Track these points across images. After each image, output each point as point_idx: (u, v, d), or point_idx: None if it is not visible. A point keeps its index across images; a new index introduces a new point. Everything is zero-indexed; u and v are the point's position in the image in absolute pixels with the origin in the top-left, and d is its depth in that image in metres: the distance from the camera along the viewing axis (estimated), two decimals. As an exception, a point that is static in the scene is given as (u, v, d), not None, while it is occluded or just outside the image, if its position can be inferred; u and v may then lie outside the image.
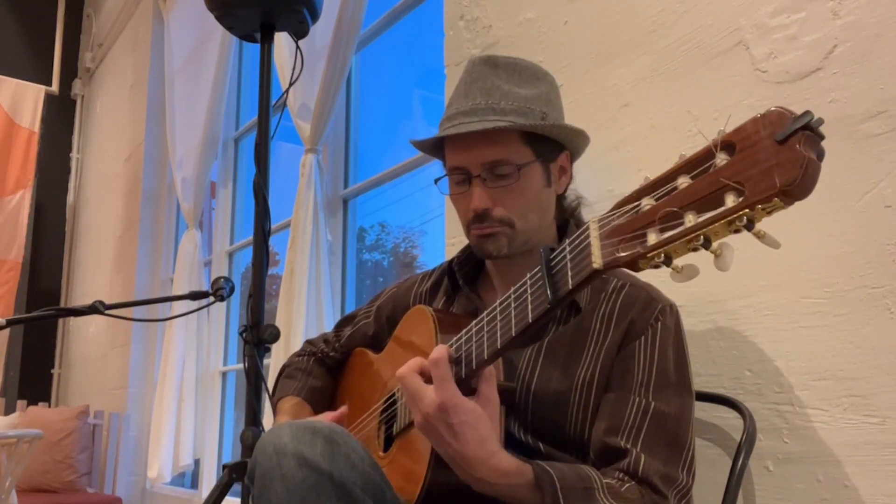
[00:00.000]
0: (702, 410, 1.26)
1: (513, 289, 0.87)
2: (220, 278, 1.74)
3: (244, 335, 1.59)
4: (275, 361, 2.39)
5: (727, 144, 0.63)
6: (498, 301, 0.89)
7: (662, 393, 1.01)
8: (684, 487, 0.98)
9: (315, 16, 1.71)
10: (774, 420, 1.19)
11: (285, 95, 2.15)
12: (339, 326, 1.47)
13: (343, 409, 1.27)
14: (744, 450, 1.15)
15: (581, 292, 1.03)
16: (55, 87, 5.42)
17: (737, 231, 0.61)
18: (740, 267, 1.10)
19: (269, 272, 1.73)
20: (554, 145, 1.13)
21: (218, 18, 1.69)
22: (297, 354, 1.47)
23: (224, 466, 1.47)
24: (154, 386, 3.96)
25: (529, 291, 0.84)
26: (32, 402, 4.60)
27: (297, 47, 1.73)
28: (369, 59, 2.95)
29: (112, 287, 4.62)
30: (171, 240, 4.31)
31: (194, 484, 3.82)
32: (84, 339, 4.97)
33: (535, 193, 1.11)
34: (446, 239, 1.91)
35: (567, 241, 0.79)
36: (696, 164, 0.66)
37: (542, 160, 1.11)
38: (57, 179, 5.49)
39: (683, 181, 0.66)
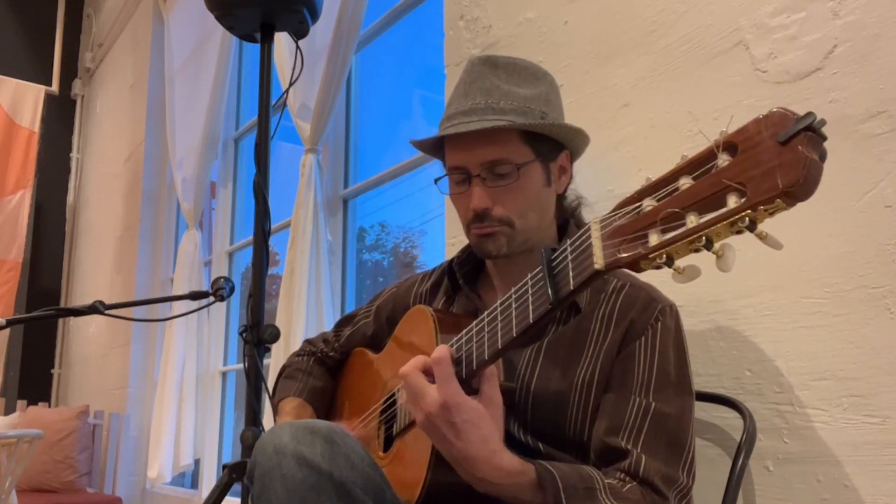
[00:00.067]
0: (702, 410, 1.26)
1: (513, 289, 0.87)
2: (220, 278, 1.74)
3: (244, 335, 1.59)
4: (275, 361, 2.39)
5: (729, 145, 0.63)
6: (499, 301, 0.89)
7: (663, 393, 1.01)
8: (685, 488, 0.98)
9: (315, 16, 1.71)
10: (774, 420, 1.19)
11: (285, 95, 2.15)
12: (339, 326, 1.47)
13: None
14: (744, 450, 1.15)
15: (582, 293, 1.03)
16: (55, 87, 5.42)
17: (739, 232, 0.61)
18: (740, 267, 1.10)
19: (269, 272, 1.73)
20: (553, 145, 1.13)
21: (218, 18, 1.69)
22: (297, 354, 1.47)
23: (224, 466, 1.47)
24: (154, 386, 3.96)
25: (530, 292, 0.84)
26: (32, 402, 4.60)
27: (297, 47, 1.73)
28: (369, 59, 2.95)
29: (112, 287, 4.62)
30: (171, 240, 4.31)
31: (194, 484, 3.83)
32: (84, 339, 4.97)
33: (534, 193, 1.11)
34: (446, 239, 1.91)
35: (568, 241, 0.79)
36: (697, 164, 0.66)
37: (541, 160, 1.11)
38: (57, 179, 5.49)
39: (685, 182, 0.66)
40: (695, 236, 0.63)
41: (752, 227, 0.60)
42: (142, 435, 4.09)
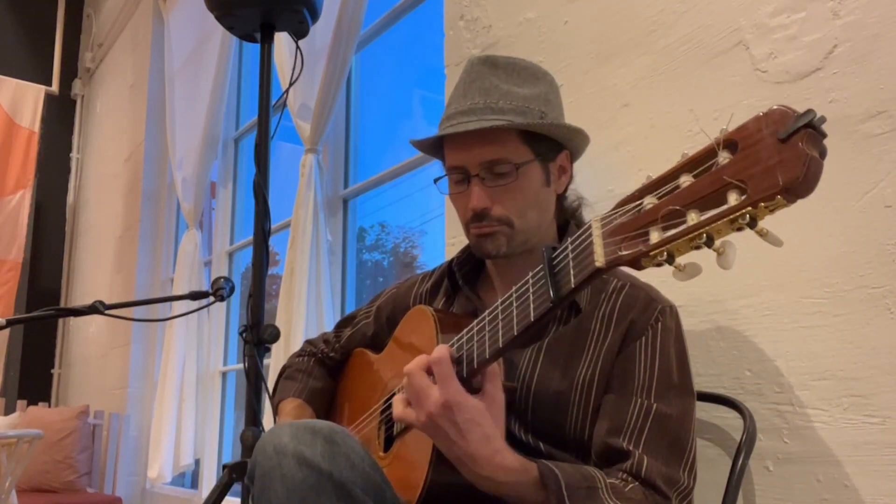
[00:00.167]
0: (702, 410, 1.26)
1: (514, 288, 0.87)
2: (220, 278, 1.74)
3: (244, 335, 1.59)
4: (275, 361, 2.39)
5: (729, 143, 0.63)
6: (499, 300, 0.89)
7: (664, 394, 1.01)
8: (686, 489, 0.98)
9: (315, 16, 1.71)
10: (774, 420, 1.19)
11: (285, 95, 2.15)
12: (339, 327, 1.47)
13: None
14: (744, 450, 1.15)
15: (583, 291, 1.03)
16: (55, 87, 5.42)
17: (739, 229, 0.61)
18: (740, 267, 1.10)
19: (269, 272, 1.73)
20: (553, 145, 1.13)
21: (218, 18, 1.69)
22: (297, 355, 1.47)
23: (224, 466, 1.47)
24: (154, 386, 3.96)
25: (531, 290, 0.84)
26: (32, 402, 4.60)
27: (297, 47, 1.73)
28: (369, 59, 2.95)
29: (112, 287, 4.62)
30: (171, 240, 4.31)
31: (194, 484, 3.83)
32: (84, 339, 4.97)
33: (533, 193, 1.11)
34: (446, 239, 1.91)
35: (569, 239, 0.79)
36: (698, 162, 0.66)
37: (540, 159, 1.11)
38: (57, 179, 5.49)
39: (686, 180, 0.66)
40: (695, 233, 0.63)
41: (752, 224, 0.60)
42: (142, 435, 4.09)
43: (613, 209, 0.73)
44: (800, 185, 0.58)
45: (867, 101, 1.12)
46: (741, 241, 0.64)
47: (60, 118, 5.53)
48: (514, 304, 0.86)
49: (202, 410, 3.56)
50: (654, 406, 1.00)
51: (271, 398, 1.46)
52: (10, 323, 1.64)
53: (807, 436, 1.15)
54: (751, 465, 1.20)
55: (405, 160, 2.45)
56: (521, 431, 1.06)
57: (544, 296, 0.81)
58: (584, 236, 0.77)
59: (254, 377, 1.56)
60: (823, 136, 0.59)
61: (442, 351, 0.92)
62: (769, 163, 0.59)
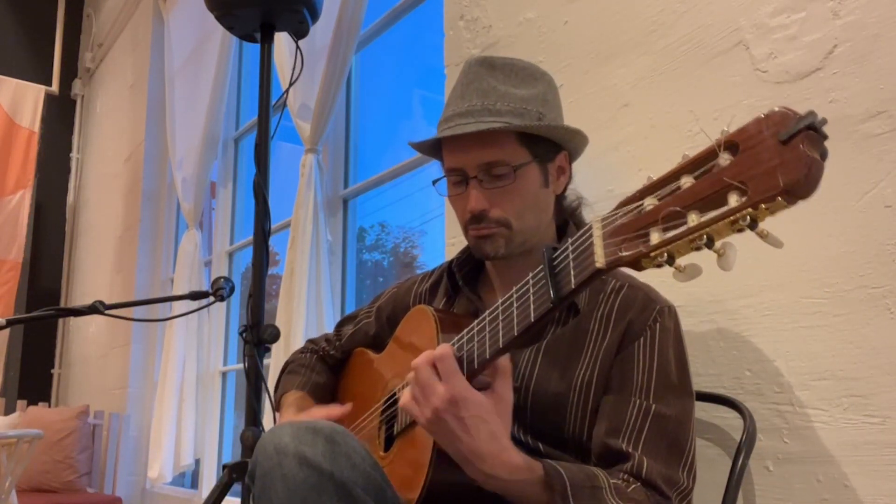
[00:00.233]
0: (702, 410, 1.26)
1: (515, 288, 0.87)
2: (220, 278, 1.74)
3: (244, 335, 1.59)
4: (275, 361, 2.39)
5: (730, 144, 0.63)
6: (500, 301, 0.90)
7: (663, 395, 1.01)
8: (685, 489, 0.98)
9: (315, 16, 1.71)
10: (774, 420, 1.19)
11: (285, 95, 2.15)
12: (340, 326, 1.47)
13: (347, 406, 1.27)
14: (744, 450, 1.15)
15: (583, 292, 1.03)
16: (55, 87, 5.42)
17: (740, 230, 0.61)
18: (740, 267, 1.10)
19: (269, 272, 1.73)
20: (551, 146, 1.13)
21: (218, 18, 1.69)
22: (300, 352, 1.47)
23: (224, 466, 1.47)
24: (154, 386, 3.96)
25: (532, 291, 0.84)
26: (32, 402, 4.60)
27: (297, 47, 1.73)
28: (369, 59, 2.95)
29: (112, 287, 4.62)
30: (171, 240, 4.31)
31: (194, 484, 3.83)
32: (84, 339, 4.97)
33: (532, 194, 1.11)
34: (446, 239, 1.91)
35: (570, 240, 0.79)
36: (699, 163, 0.66)
37: (538, 161, 1.11)
38: (57, 179, 5.49)
39: (686, 181, 0.66)
40: (696, 235, 0.63)
41: (753, 225, 0.60)
42: (142, 435, 4.09)
43: (614, 210, 0.73)
44: (800, 186, 0.58)
45: (867, 101, 1.12)
46: (741, 242, 0.64)
47: (60, 118, 5.53)
48: (515, 305, 0.86)
49: (202, 410, 3.56)
50: (653, 407, 1.00)
51: (271, 399, 1.46)
52: (10, 323, 1.64)
53: (807, 436, 1.15)
54: (751, 465, 1.20)
55: (405, 160, 2.45)
56: (520, 432, 1.06)
57: (544, 296, 0.81)
58: (584, 237, 0.77)
59: (254, 377, 1.56)
60: (824, 137, 0.59)
61: (444, 348, 0.92)
62: (770, 164, 0.59)
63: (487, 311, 0.91)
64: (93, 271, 5.04)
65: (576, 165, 1.21)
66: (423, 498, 0.99)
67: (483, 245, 1.12)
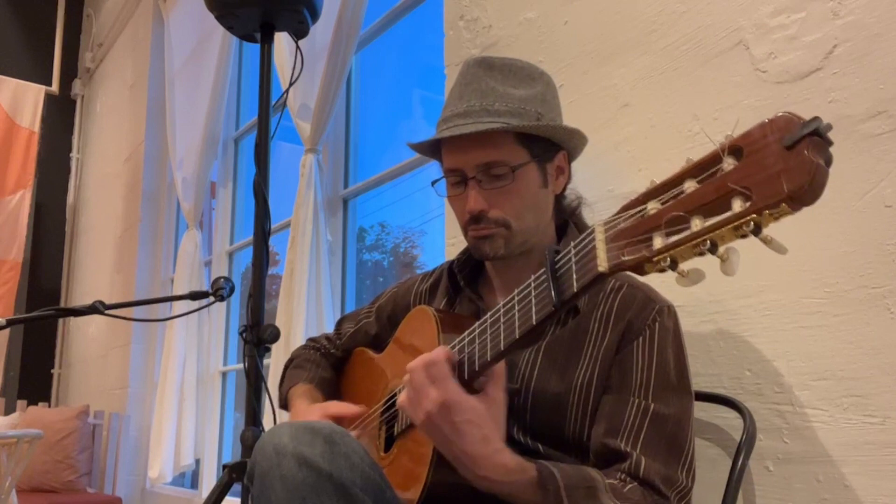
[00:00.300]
0: (702, 410, 1.26)
1: (516, 290, 0.87)
2: (220, 278, 1.74)
3: (244, 335, 1.59)
4: (275, 361, 2.39)
5: (734, 149, 0.63)
6: (501, 303, 0.89)
7: (662, 395, 1.01)
8: (684, 489, 0.98)
9: (315, 16, 1.71)
10: (774, 420, 1.19)
11: (285, 95, 2.15)
12: (340, 324, 1.47)
13: (362, 407, 1.25)
14: (744, 450, 1.15)
15: (586, 295, 1.03)
16: (55, 87, 5.42)
17: (744, 236, 0.61)
18: (741, 268, 1.10)
19: (269, 272, 1.73)
20: (550, 146, 1.13)
21: (218, 18, 1.69)
22: (303, 348, 1.48)
23: (224, 466, 1.47)
24: (154, 386, 3.96)
25: (534, 293, 0.84)
26: (32, 402, 4.60)
27: (297, 47, 1.73)
28: (369, 59, 2.95)
29: (112, 287, 4.62)
30: (171, 240, 4.31)
31: (194, 484, 3.83)
32: (84, 339, 4.97)
33: (530, 194, 1.11)
34: (446, 239, 1.91)
35: (572, 243, 0.79)
36: (702, 168, 0.65)
37: (537, 161, 1.11)
38: (57, 179, 5.49)
39: (690, 185, 0.65)
40: (699, 240, 0.63)
41: (757, 231, 0.60)
42: (142, 435, 4.09)
43: (617, 214, 0.73)
44: (805, 193, 0.58)
45: (867, 101, 1.12)
46: (741, 242, 0.64)
47: (60, 118, 5.53)
48: (516, 307, 0.86)
49: (202, 410, 3.56)
50: (652, 406, 1.00)
51: (271, 399, 1.46)
52: (10, 323, 1.64)
53: (807, 436, 1.15)
54: (751, 465, 1.20)
55: (405, 160, 2.45)
56: (519, 433, 1.06)
57: (546, 299, 0.81)
58: (587, 240, 0.76)
59: (254, 377, 1.56)
60: (829, 143, 0.59)
61: (438, 352, 0.92)
62: (774, 170, 0.59)
63: (489, 314, 0.91)
64: (93, 271, 5.04)
65: (575, 165, 1.21)
66: (423, 498, 0.99)
67: (482, 245, 1.11)
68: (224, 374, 3.65)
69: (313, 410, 1.25)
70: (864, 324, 1.10)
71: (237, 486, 1.50)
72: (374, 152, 2.85)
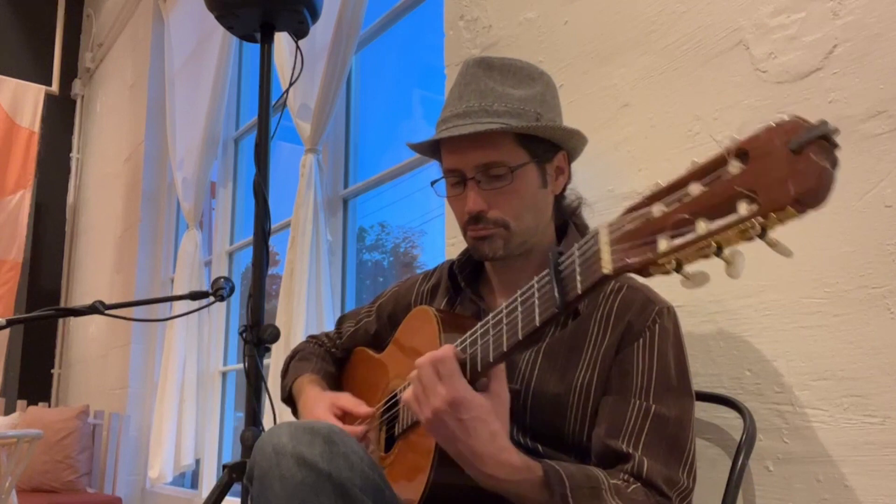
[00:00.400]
0: (702, 410, 1.26)
1: (519, 292, 0.87)
2: (220, 278, 1.74)
3: (244, 335, 1.59)
4: (275, 361, 2.39)
5: (740, 152, 0.62)
6: (504, 304, 0.89)
7: (663, 396, 1.00)
8: (685, 490, 0.98)
9: (315, 16, 1.71)
10: (774, 420, 1.19)
11: (285, 95, 2.15)
12: (341, 322, 1.47)
13: (372, 409, 1.24)
14: (744, 450, 1.15)
15: (589, 297, 1.02)
16: (55, 87, 5.42)
17: (749, 239, 0.61)
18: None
19: (269, 272, 1.73)
20: (549, 146, 1.13)
21: (218, 18, 1.69)
22: (306, 343, 1.47)
23: (224, 466, 1.47)
24: (154, 386, 3.96)
25: (537, 295, 0.83)
26: (32, 402, 4.60)
27: (297, 47, 1.73)
28: (369, 59, 2.95)
29: (112, 287, 4.62)
30: (171, 240, 4.31)
31: (194, 484, 3.83)
32: (84, 339, 4.97)
33: (530, 195, 1.11)
34: (446, 239, 1.91)
35: (576, 245, 0.79)
36: (708, 170, 0.65)
37: (536, 161, 1.11)
38: (57, 179, 5.49)
39: (695, 188, 0.65)
40: (705, 243, 0.63)
41: (763, 234, 0.60)
42: (142, 435, 4.09)
43: (621, 216, 0.72)
44: (812, 197, 0.58)
45: (867, 101, 1.12)
46: (744, 244, 0.64)
47: (60, 118, 5.53)
48: (519, 308, 0.86)
49: (202, 410, 3.56)
50: (653, 407, 1.00)
51: (271, 399, 1.46)
52: (10, 323, 1.64)
53: (807, 436, 1.15)
54: (751, 465, 1.20)
55: (405, 160, 2.45)
56: (519, 434, 1.06)
57: (550, 301, 0.81)
58: (590, 242, 0.76)
59: (254, 377, 1.56)
60: (836, 147, 0.59)
61: (447, 349, 0.92)
62: (781, 173, 0.59)
63: (491, 315, 0.91)
64: (93, 271, 5.04)
65: (575, 165, 1.21)
66: (425, 499, 0.98)
67: (481, 246, 1.11)
68: (224, 374, 3.65)
69: (324, 398, 1.24)
70: (864, 324, 1.10)
71: (237, 486, 1.50)
72: (374, 152, 2.86)
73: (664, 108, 1.42)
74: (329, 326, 2.36)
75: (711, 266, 0.65)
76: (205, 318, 3.64)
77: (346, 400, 1.22)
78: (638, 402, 1.00)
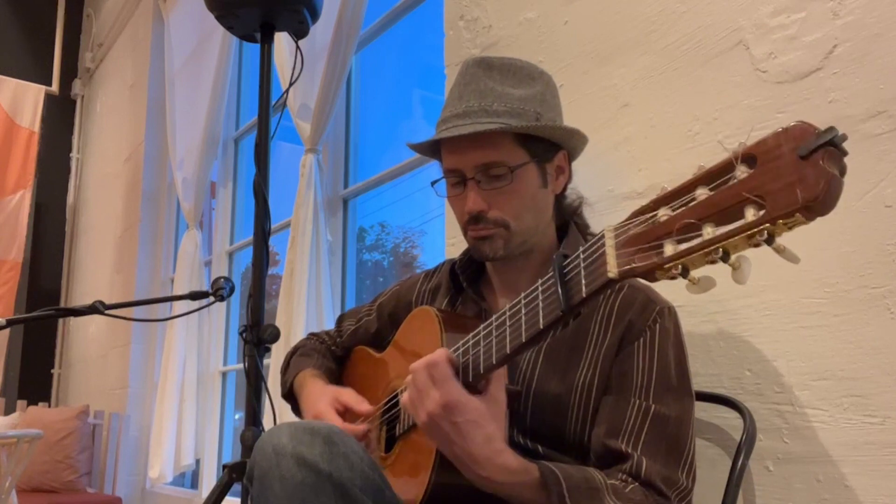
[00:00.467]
0: (702, 410, 1.26)
1: (523, 294, 0.87)
2: (220, 278, 1.74)
3: (244, 335, 1.59)
4: (275, 361, 2.39)
5: (748, 157, 0.62)
6: (507, 306, 0.89)
7: (662, 396, 1.00)
8: (685, 490, 0.98)
9: (315, 16, 1.71)
10: (774, 420, 1.19)
11: (285, 95, 2.15)
12: (341, 321, 1.47)
13: (374, 409, 1.25)
14: (744, 450, 1.15)
15: (594, 301, 1.02)
16: (55, 87, 5.42)
17: (756, 245, 0.60)
18: (740, 267, 1.10)
19: (269, 272, 1.73)
20: (549, 146, 1.13)
21: (218, 18, 1.69)
22: (307, 339, 1.47)
23: (224, 466, 1.47)
24: (154, 386, 3.96)
25: (541, 297, 0.83)
26: (32, 402, 4.60)
27: (297, 47, 1.73)
28: (369, 59, 2.95)
29: (112, 287, 4.62)
30: (171, 240, 4.31)
31: (194, 484, 3.83)
32: (84, 339, 4.97)
33: (530, 195, 1.11)
34: (446, 239, 1.91)
35: (581, 248, 0.79)
36: (715, 175, 0.65)
37: (536, 161, 1.11)
38: (57, 179, 5.49)
39: (702, 192, 0.65)
40: (711, 248, 0.63)
41: (770, 240, 0.60)
42: (142, 435, 4.09)
43: (627, 219, 0.72)
44: (820, 203, 0.57)
45: (867, 101, 1.12)
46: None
47: (60, 118, 5.53)
48: (523, 311, 0.86)
49: (202, 410, 3.56)
50: (653, 407, 0.99)
51: (271, 399, 1.46)
52: (10, 323, 1.64)
53: (807, 436, 1.15)
54: (751, 465, 1.20)
55: (405, 160, 2.45)
56: (519, 435, 1.06)
57: (554, 304, 0.80)
58: (596, 245, 0.76)
59: (254, 377, 1.56)
60: (844, 154, 0.58)
61: (440, 353, 0.92)
62: (789, 179, 0.58)
63: (494, 317, 0.91)
64: (93, 271, 5.04)
65: (576, 165, 1.21)
66: (425, 499, 0.98)
67: (482, 246, 1.11)
68: (224, 374, 3.65)
69: (327, 392, 1.24)
70: (864, 324, 1.10)
71: (237, 486, 1.50)
72: (374, 152, 2.85)
73: (664, 108, 1.42)
74: (329, 326, 2.36)
75: (713, 267, 0.65)
76: (205, 318, 3.64)
77: (349, 396, 1.22)
78: (638, 401, 1.00)
